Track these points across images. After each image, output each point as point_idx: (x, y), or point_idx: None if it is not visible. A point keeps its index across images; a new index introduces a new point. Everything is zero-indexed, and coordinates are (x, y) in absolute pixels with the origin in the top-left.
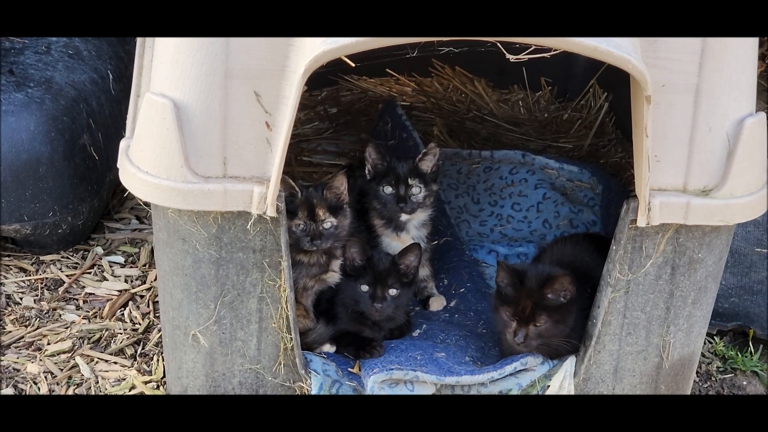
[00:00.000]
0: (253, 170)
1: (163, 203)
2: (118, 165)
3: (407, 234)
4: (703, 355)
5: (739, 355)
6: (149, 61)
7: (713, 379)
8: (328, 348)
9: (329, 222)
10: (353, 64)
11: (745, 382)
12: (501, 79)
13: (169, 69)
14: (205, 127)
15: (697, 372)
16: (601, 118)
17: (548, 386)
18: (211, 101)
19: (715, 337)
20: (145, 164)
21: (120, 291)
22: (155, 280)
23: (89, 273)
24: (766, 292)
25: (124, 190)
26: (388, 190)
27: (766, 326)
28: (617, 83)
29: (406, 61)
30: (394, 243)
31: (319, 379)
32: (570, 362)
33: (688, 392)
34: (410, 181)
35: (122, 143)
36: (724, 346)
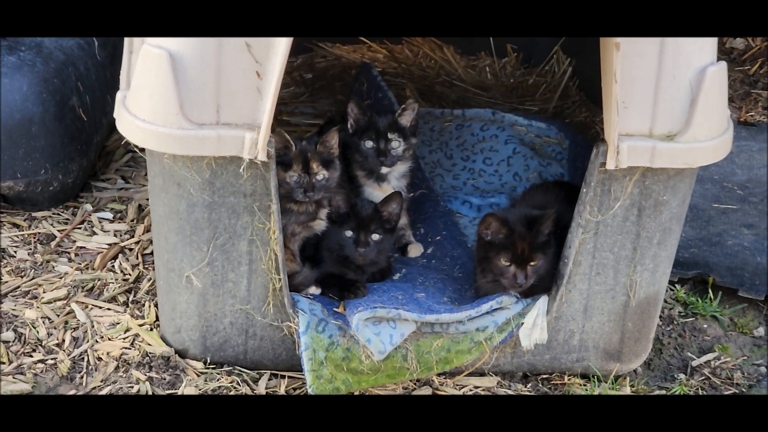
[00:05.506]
0: (245, 117)
1: (159, 149)
2: (115, 115)
3: (388, 184)
4: (665, 301)
5: (699, 301)
6: None
7: (675, 322)
8: (314, 290)
9: (322, 174)
10: None
11: (705, 326)
12: (469, 45)
13: None
14: (199, 76)
15: (660, 316)
16: (565, 82)
17: (522, 323)
18: (205, 52)
19: (676, 285)
20: (141, 112)
21: (110, 244)
22: (144, 233)
23: (79, 228)
24: (723, 244)
25: (110, 152)
26: (369, 144)
27: (725, 275)
28: (580, 49)
29: None
30: (375, 192)
31: (306, 317)
32: (543, 301)
33: (653, 331)
34: (390, 136)
35: (118, 95)
36: (684, 293)
